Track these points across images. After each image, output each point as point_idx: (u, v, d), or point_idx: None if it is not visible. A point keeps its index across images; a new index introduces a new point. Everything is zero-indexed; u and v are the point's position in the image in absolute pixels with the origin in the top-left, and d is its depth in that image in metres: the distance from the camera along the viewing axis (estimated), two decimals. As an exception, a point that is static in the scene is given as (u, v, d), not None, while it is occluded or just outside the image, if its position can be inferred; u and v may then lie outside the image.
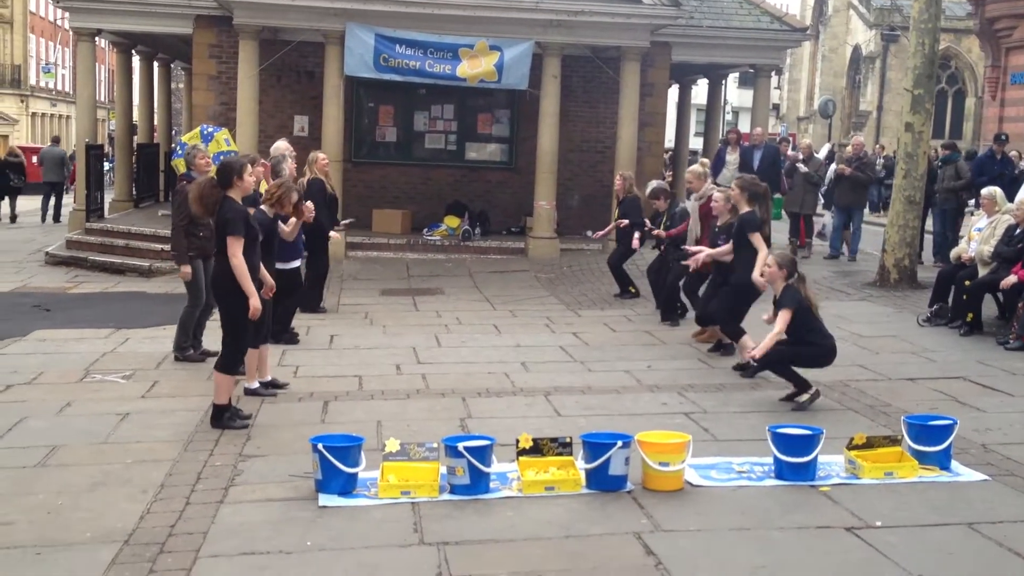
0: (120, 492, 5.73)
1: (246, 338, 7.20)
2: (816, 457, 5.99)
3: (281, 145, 10.91)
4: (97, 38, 19.04)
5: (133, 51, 21.29)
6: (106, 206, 19.46)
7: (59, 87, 56.06)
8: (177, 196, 9.20)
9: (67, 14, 19.41)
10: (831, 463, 6.15)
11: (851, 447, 6.12)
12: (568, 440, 6.01)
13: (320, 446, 5.67)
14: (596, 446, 5.80)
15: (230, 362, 7.04)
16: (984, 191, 11.58)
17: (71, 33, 22.35)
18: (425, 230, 16.88)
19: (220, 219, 6.94)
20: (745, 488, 5.87)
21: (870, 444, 6.14)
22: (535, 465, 5.88)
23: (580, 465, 5.87)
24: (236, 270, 6.87)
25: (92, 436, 6.82)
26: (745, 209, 8.84)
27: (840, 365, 9.21)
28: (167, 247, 15.79)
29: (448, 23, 15.59)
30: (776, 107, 48.76)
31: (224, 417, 7.02)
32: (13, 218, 23.56)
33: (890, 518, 5.38)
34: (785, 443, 6.00)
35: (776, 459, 6.01)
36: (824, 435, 6.05)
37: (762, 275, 8.19)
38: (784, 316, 7.61)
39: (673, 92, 22.79)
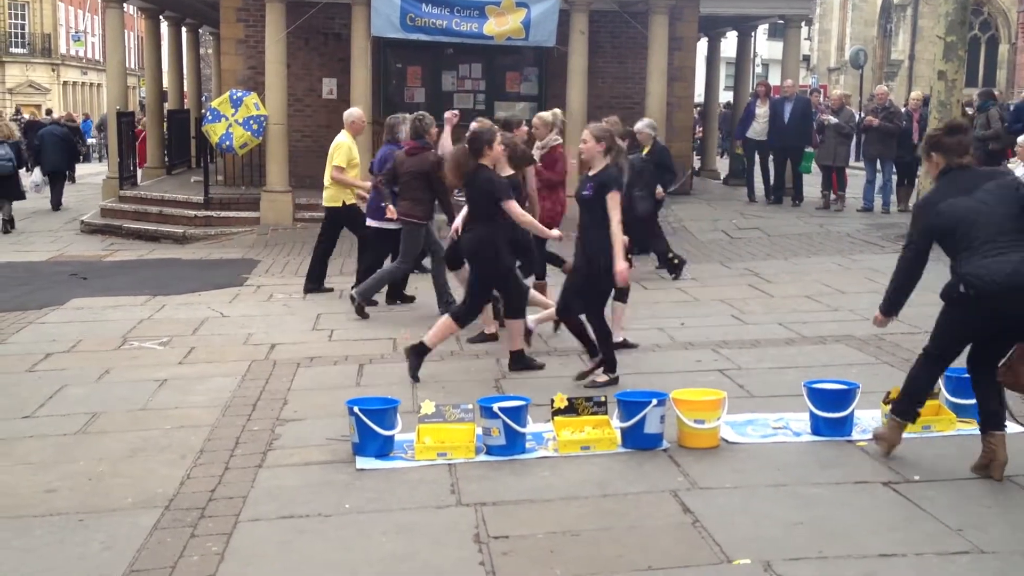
0: (160, 458, 5.80)
1: (485, 296, 7.74)
2: (852, 412, 5.96)
3: (357, 112, 10.97)
4: (125, 4, 19.06)
5: (161, 17, 21.32)
6: (139, 173, 19.59)
7: (89, 55, 56.28)
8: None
9: (94, -18, 19.45)
10: (868, 418, 6.11)
11: (887, 401, 6.06)
12: (603, 399, 6.01)
13: (356, 409, 5.71)
14: (631, 404, 5.80)
15: (518, 306, 7.52)
16: (1020, 139, 11.37)
17: (100, 0, 22.38)
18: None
19: (484, 189, 7.21)
20: (781, 444, 5.85)
21: (907, 398, 6.08)
22: (570, 425, 5.89)
23: (615, 424, 5.87)
24: (527, 224, 7.52)
25: (131, 403, 6.91)
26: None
27: (876, 319, 9.15)
28: (200, 213, 15.92)
29: (474, -19, 15.46)
30: (807, 58, 48.01)
31: (525, 359, 7.49)
32: (72, 180, 24.04)
33: (928, 472, 5.34)
34: (821, 398, 5.97)
35: (812, 415, 5.98)
36: (860, 390, 6.00)
37: (581, 154, 7.11)
38: (615, 199, 6.87)
39: (702, 45, 22.53)
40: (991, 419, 5.24)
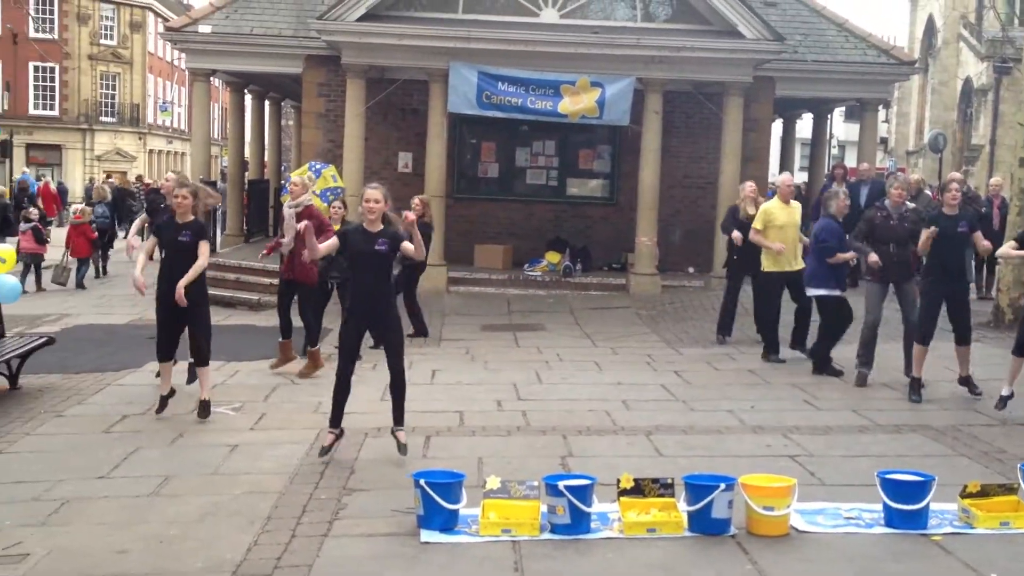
0: (229, 523, 5.87)
1: None
2: (928, 505, 5.81)
3: (782, 176, 11.68)
4: (212, 78, 19.72)
5: (246, 90, 21.99)
6: (218, 240, 20.06)
7: (175, 125, 58.21)
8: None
9: (184, 55, 20.18)
10: (944, 511, 5.95)
11: (964, 495, 5.92)
12: (670, 481, 5.95)
13: (422, 482, 5.73)
14: (698, 488, 5.73)
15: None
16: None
17: (187, 73, 23.22)
18: (526, 265, 16.96)
19: None
20: (853, 535, 5.73)
21: (984, 492, 5.93)
22: (636, 506, 5.83)
23: (682, 507, 5.81)
24: None
25: (203, 467, 7.02)
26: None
27: (952, 408, 8.96)
28: (275, 281, 16.19)
29: (550, 60, 15.75)
30: (884, 141, 47.66)
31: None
32: None
33: (1006, 570, 5.19)
34: (895, 490, 5.84)
35: (886, 506, 5.85)
36: (936, 482, 5.86)
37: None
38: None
39: (777, 126, 22.54)
40: None
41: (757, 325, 11.68)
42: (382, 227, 7.24)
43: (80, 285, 18.28)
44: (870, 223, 9.74)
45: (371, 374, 10.38)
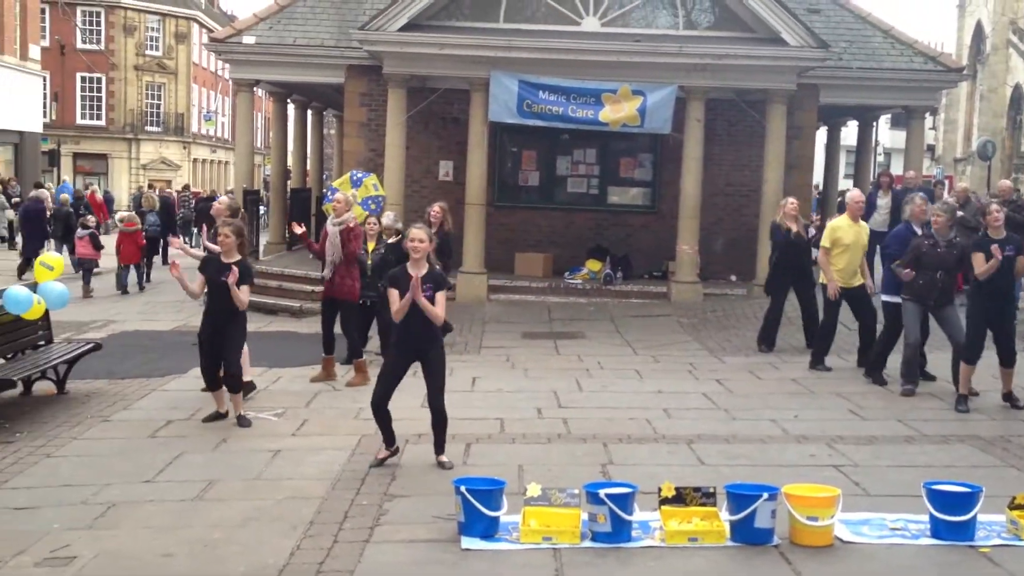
0: (272, 528, 5.91)
1: None
2: (976, 516, 5.72)
3: (852, 193, 11.60)
4: (255, 88, 19.93)
5: (288, 100, 22.19)
6: (260, 248, 20.25)
7: (219, 134, 58.89)
8: None
9: (228, 66, 20.40)
10: (992, 523, 5.86)
11: (1013, 507, 5.82)
12: (712, 490, 5.91)
13: (463, 488, 5.74)
14: (741, 497, 5.69)
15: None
16: None
17: (231, 83, 23.50)
18: (567, 274, 16.93)
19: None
20: (899, 546, 5.65)
21: (1034, 504, 5.83)
22: (678, 515, 5.80)
23: (724, 516, 5.76)
24: None
25: (246, 472, 7.08)
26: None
27: (1000, 419, 8.83)
28: (317, 288, 16.32)
29: (591, 69, 15.72)
30: (931, 148, 47.02)
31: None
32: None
33: (1058, 584, 5.09)
34: (942, 501, 5.75)
35: (932, 517, 5.77)
36: (984, 493, 5.77)
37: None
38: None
39: (821, 133, 22.33)
40: None
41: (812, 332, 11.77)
42: (427, 268, 7.20)
43: (140, 287, 19.22)
44: (917, 251, 9.58)
45: (411, 381, 10.41)
